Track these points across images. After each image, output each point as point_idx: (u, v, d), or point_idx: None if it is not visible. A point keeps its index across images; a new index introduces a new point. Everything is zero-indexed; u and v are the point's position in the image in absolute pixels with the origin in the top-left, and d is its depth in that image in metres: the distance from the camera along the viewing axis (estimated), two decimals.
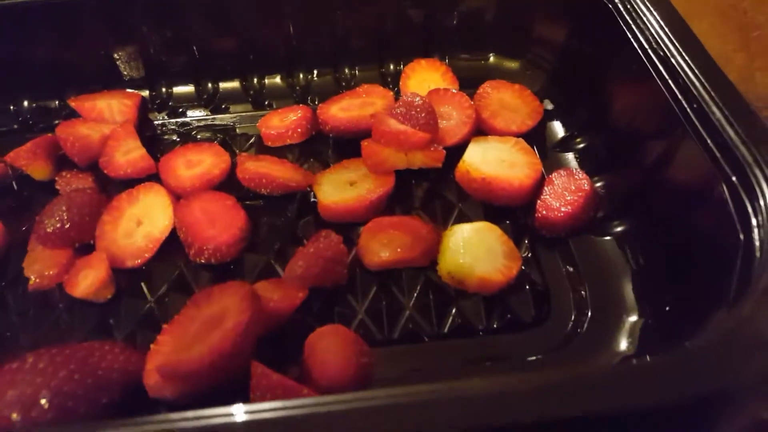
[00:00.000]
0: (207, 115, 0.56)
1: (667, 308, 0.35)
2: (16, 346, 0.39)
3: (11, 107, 0.56)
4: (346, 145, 0.51)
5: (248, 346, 0.33)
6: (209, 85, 0.57)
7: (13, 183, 0.49)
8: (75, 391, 0.31)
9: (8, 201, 0.48)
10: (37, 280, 0.41)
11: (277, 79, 0.58)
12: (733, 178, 0.32)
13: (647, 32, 0.41)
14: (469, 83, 0.54)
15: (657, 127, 0.40)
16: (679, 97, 0.36)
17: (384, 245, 0.41)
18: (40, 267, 0.41)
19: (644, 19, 0.42)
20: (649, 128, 0.41)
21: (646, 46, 0.41)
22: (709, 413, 0.23)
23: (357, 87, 0.55)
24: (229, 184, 0.48)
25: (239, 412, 0.23)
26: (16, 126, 0.55)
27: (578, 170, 0.45)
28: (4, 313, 0.41)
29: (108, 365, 0.32)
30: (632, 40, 0.42)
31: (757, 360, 0.24)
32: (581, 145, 0.49)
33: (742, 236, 0.30)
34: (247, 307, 0.33)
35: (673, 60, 0.38)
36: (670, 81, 0.37)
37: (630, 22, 0.43)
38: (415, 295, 0.40)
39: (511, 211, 0.45)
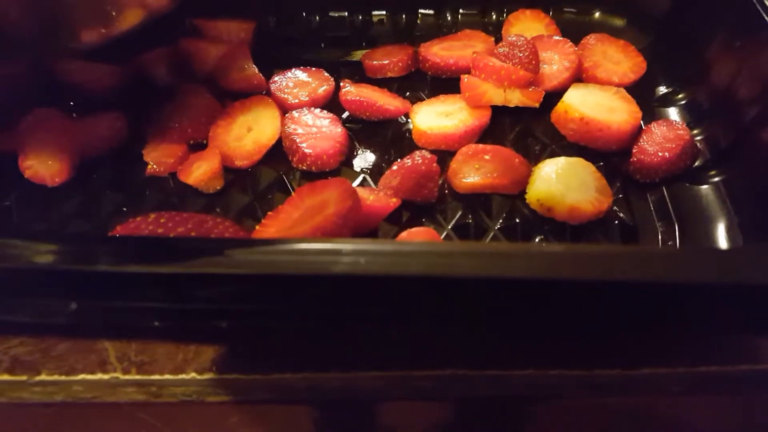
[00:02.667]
0: (313, 47, 0.59)
1: None
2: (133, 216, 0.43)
3: None
4: (442, 84, 0.53)
5: (346, 234, 0.36)
6: (317, 18, 0.60)
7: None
8: None
9: (131, 100, 0.52)
10: (154, 167, 0.45)
11: (382, 19, 0.60)
12: None
13: None
14: (572, 37, 0.53)
15: (763, 80, 0.39)
16: None
17: (475, 169, 0.43)
18: (157, 155, 0.46)
19: None
20: (755, 81, 0.41)
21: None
22: None
23: (458, 32, 0.57)
24: (330, 106, 0.51)
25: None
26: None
27: (678, 121, 0.45)
28: (121, 192, 0.45)
29: (219, 233, 0.36)
30: None
31: None
32: (683, 101, 0.49)
33: None
34: (348, 197, 0.35)
35: None
36: None
37: None
38: (502, 219, 0.42)
39: (605, 156, 0.45)
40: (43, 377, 0.37)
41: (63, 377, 0.37)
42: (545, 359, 0.36)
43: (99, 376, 0.37)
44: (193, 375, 0.37)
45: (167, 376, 0.37)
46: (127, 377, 0.37)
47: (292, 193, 0.38)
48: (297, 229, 0.35)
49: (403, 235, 0.38)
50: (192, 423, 0.40)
